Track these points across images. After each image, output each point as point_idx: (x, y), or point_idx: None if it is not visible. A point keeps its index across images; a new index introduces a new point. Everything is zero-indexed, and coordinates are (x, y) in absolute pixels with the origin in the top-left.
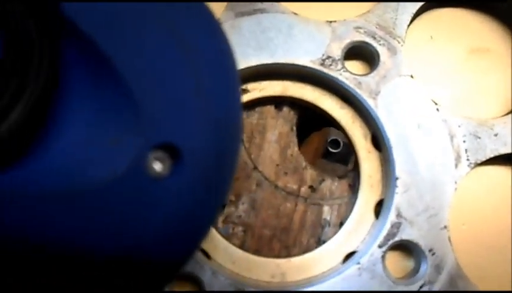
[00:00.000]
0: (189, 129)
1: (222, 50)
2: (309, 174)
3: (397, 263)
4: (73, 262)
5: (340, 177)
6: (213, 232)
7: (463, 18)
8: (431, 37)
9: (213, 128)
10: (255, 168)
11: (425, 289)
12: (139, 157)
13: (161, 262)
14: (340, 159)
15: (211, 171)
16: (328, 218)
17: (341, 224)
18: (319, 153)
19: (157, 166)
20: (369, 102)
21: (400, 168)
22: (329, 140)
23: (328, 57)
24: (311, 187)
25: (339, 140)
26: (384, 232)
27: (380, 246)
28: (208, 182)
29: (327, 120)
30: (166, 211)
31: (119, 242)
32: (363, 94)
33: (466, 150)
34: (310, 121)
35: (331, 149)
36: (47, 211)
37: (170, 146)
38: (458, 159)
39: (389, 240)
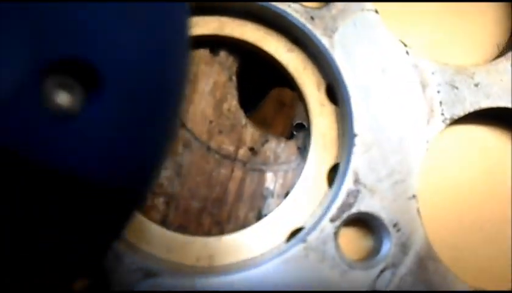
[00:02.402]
0: (113, 42)
1: None
2: (250, 133)
3: (353, 241)
4: None
5: (287, 138)
6: None
7: None
8: None
9: (152, 45)
10: (183, 125)
11: (387, 273)
12: (29, 80)
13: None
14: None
15: (145, 103)
16: (271, 187)
17: (287, 194)
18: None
19: (61, 98)
20: (324, 41)
21: (359, 123)
22: (294, 123)
23: None
24: (251, 149)
25: (304, 123)
26: (338, 202)
27: (332, 220)
28: (140, 120)
29: (271, 66)
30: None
31: None
32: (316, 32)
33: (441, 102)
34: (252, 69)
35: (296, 133)
36: None
37: (82, 66)
38: (430, 113)
39: (343, 212)
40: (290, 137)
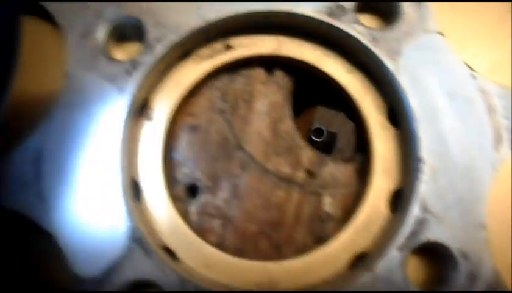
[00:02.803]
0: None
1: None
2: (307, 155)
3: (420, 270)
4: None
5: (345, 161)
6: (183, 226)
7: None
8: None
9: None
10: (239, 146)
11: None
12: None
13: None
14: (323, 148)
15: None
16: (329, 210)
17: (346, 218)
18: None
19: None
20: (388, 64)
21: (426, 148)
22: (312, 128)
23: (338, 6)
24: (309, 171)
25: (323, 128)
26: (406, 231)
27: (399, 249)
28: None
29: (329, 87)
30: None
31: None
32: (380, 54)
33: (508, 128)
34: (309, 90)
35: (314, 138)
36: None
37: None
38: (497, 139)
39: (411, 241)
40: (308, 141)
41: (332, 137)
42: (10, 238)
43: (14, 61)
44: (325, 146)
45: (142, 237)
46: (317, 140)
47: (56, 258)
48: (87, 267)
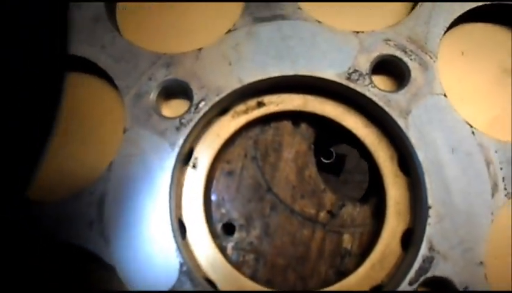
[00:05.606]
0: None
1: None
2: (329, 198)
3: None
4: None
5: (362, 203)
6: (221, 260)
7: (495, 34)
8: (463, 53)
9: None
10: (269, 189)
11: None
12: None
13: None
14: (332, 169)
15: None
16: (348, 247)
17: (363, 254)
18: None
19: None
20: (399, 122)
21: (432, 196)
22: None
23: (355, 71)
24: (330, 212)
25: (332, 150)
26: (416, 266)
27: (410, 284)
28: None
29: (348, 139)
30: None
31: None
32: (392, 113)
33: (503, 178)
34: (329, 141)
35: (323, 160)
36: None
37: None
38: (494, 187)
39: (420, 276)
40: (317, 162)
41: (341, 159)
42: (75, 270)
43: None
44: (334, 167)
45: (189, 270)
46: (327, 161)
47: (117, 287)
48: None
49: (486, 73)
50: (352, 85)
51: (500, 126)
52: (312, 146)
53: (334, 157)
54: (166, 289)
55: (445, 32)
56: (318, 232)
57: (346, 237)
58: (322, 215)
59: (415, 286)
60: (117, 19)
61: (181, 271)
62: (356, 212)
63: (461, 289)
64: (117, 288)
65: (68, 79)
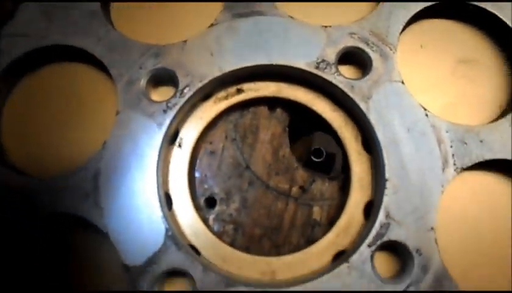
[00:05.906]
0: None
1: None
2: (300, 174)
3: (385, 262)
4: None
5: (330, 179)
6: (204, 229)
7: (452, 29)
8: (421, 46)
9: None
10: (247, 167)
11: (411, 288)
12: None
13: None
14: (322, 168)
15: None
16: (318, 218)
17: (330, 224)
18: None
19: None
20: (361, 105)
21: (390, 170)
22: (312, 149)
23: (323, 61)
24: (301, 187)
25: (322, 149)
26: (374, 232)
27: (369, 246)
28: None
29: (318, 122)
30: None
31: None
32: (356, 98)
33: (453, 155)
34: (301, 123)
35: (314, 158)
36: None
37: None
38: (445, 163)
39: (378, 240)
40: (308, 161)
41: (331, 157)
42: (70, 238)
43: None
44: (324, 166)
45: (174, 235)
46: (317, 160)
47: (108, 251)
48: (132, 258)
49: (442, 64)
50: (320, 73)
51: (453, 111)
52: (287, 129)
53: (324, 156)
54: (152, 251)
55: (405, 27)
56: (291, 205)
57: (316, 209)
58: (295, 190)
59: (373, 248)
60: (112, 14)
61: (167, 235)
62: (325, 187)
63: (414, 252)
64: (108, 251)
65: (67, 68)
